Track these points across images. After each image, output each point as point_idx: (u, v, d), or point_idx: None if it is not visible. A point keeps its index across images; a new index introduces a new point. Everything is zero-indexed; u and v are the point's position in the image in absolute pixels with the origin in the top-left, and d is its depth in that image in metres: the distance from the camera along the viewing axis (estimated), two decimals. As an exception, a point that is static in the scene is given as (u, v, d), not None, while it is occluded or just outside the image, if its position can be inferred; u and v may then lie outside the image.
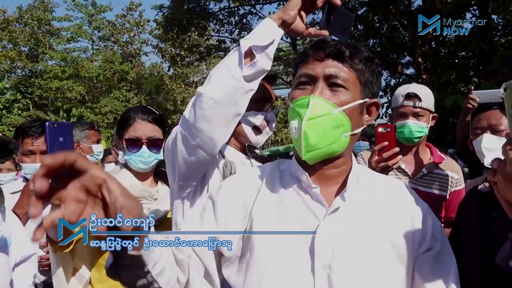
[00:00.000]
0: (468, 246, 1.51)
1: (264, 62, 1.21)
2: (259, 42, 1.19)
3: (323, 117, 1.00)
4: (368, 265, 0.98)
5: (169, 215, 1.88)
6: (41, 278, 2.15)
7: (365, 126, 1.11)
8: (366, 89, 1.06)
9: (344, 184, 1.07)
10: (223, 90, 1.21)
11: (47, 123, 1.19)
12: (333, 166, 1.07)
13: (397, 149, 1.61)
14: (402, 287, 1.01)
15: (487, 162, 1.69)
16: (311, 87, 1.03)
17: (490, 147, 1.69)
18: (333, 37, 1.20)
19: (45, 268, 2.13)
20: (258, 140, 1.61)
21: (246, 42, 1.20)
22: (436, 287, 1.01)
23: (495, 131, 1.74)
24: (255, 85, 1.25)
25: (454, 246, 1.50)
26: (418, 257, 1.04)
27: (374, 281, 0.98)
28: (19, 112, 19.90)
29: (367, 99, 1.07)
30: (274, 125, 1.63)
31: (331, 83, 1.02)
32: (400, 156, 1.63)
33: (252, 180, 1.12)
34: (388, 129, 1.64)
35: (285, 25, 1.22)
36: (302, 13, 1.25)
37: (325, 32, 1.22)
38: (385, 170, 1.64)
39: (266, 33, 1.20)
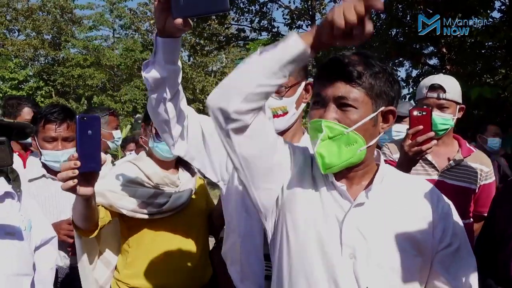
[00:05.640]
0: (504, 242, 1.46)
1: (156, 70, 1.24)
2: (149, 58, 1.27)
3: (335, 138, 1.09)
4: (388, 258, 1.09)
5: (190, 202, 1.88)
6: (67, 262, 2.16)
7: (382, 134, 1.18)
8: (380, 100, 1.12)
9: (369, 183, 1.17)
10: None
11: (77, 116, 1.22)
12: (355, 170, 1.17)
13: (432, 133, 1.55)
14: (418, 279, 1.12)
15: None
16: (324, 108, 1.12)
17: None
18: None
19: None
20: None
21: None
22: (454, 281, 1.12)
23: None
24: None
25: (488, 240, 1.46)
26: (438, 252, 1.13)
27: (392, 272, 1.08)
28: (42, 99, 20.26)
29: (382, 108, 1.13)
30: (270, 109, 1.50)
31: (341, 103, 1.10)
32: (434, 141, 1.57)
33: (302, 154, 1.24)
34: (423, 113, 1.59)
35: (160, 32, 1.20)
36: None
37: (178, 21, 1.08)
38: (417, 155, 1.58)
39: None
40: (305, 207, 1.15)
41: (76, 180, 1.24)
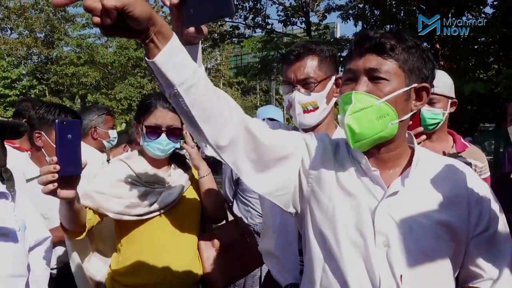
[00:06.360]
0: None
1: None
2: None
3: (366, 109, 1.06)
4: (422, 245, 1.06)
5: (181, 198, 1.88)
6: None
7: (415, 111, 1.13)
8: (412, 75, 1.10)
9: (402, 167, 1.14)
10: None
11: (57, 121, 1.25)
12: (387, 150, 1.13)
13: (420, 128, 1.57)
14: (452, 264, 1.10)
15: None
16: (355, 83, 1.10)
17: None
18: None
19: None
20: (295, 121, 1.58)
21: None
22: (489, 266, 1.10)
23: None
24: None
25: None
26: (474, 237, 1.10)
27: (427, 259, 1.06)
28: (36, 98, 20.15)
29: (415, 85, 1.10)
30: (299, 105, 1.55)
31: (372, 76, 1.08)
32: (424, 136, 1.58)
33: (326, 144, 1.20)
34: None
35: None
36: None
37: (191, 30, 1.12)
38: None
39: None
40: (334, 197, 1.12)
41: (56, 184, 1.26)
